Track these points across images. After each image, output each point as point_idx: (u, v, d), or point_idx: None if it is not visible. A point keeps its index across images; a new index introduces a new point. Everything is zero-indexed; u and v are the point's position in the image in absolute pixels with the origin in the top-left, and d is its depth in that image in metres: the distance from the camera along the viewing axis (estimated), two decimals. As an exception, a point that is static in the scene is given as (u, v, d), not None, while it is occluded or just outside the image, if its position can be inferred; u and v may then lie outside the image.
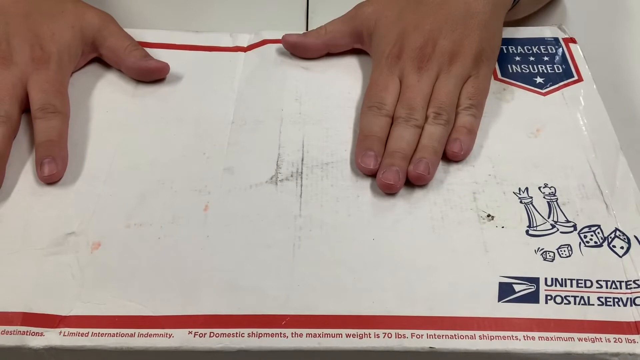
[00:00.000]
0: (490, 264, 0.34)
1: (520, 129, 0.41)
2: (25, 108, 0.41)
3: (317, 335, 0.31)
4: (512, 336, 0.31)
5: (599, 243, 0.35)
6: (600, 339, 0.31)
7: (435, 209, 0.37)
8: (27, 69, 0.41)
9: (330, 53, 0.47)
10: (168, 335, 0.31)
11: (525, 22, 0.52)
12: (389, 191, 0.37)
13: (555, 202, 0.37)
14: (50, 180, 0.38)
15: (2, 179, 0.38)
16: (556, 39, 0.47)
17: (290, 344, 0.31)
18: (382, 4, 0.45)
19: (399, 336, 0.31)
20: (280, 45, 0.46)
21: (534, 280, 0.33)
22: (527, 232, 0.35)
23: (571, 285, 0.33)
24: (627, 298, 0.33)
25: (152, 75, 0.44)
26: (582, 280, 0.33)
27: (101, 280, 0.33)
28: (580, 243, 0.35)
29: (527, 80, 0.44)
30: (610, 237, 0.35)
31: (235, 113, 0.42)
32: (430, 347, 0.31)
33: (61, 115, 0.40)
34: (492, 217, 0.36)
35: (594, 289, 0.33)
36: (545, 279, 0.33)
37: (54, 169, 0.38)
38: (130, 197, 0.37)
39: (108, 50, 0.44)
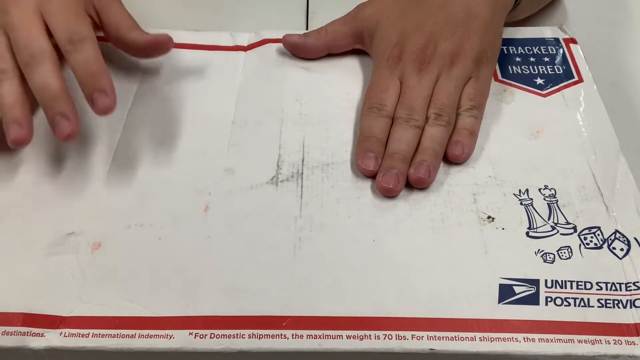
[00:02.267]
0: (490, 266, 0.34)
1: (520, 130, 0.41)
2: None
3: (318, 336, 0.31)
4: (512, 338, 0.31)
5: (599, 245, 0.35)
6: (600, 340, 0.31)
7: (435, 210, 0.37)
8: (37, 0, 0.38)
9: (330, 53, 0.46)
10: (168, 336, 0.31)
11: (526, 23, 0.52)
12: (389, 195, 0.37)
13: (555, 204, 0.37)
14: (106, 113, 0.37)
15: (77, 117, 0.36)
16: (557, 40, 0.47)
17: (291, 345, 0.31)
18: (383, 5, 0.45)
19: (400, 337, 0.31)
20: (280, 45, 0.46)
21: (534, 282, 0.33)
22: (527, 233, 0.36)
23: (571, 287, 0.33)
24: (627, 300, 0.33)
25: (155, 49, 0.42)
26: (582, 282, 0.33)
27: (102, 280, 0.33)
28: (580, 245, 0.35)
29: (527, 81, 0.44)
30: (610, 239, 0.35)
31: (235, 113, 0.42)
32: (431, 349, 0.31)
33: (89, 40, 0.38)
34: (493, 218, 0.36)
35: (593, 290, 0.33)
36: (545, 280, 0.33)
37: (106, 102, 0.37)
38: (130, 197, 0.37)
39: (110, 24, 0.42)
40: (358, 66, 0.46)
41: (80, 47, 0.37)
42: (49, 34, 0.38)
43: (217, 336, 0.31)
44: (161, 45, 0.42)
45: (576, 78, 0.44)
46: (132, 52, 0.43)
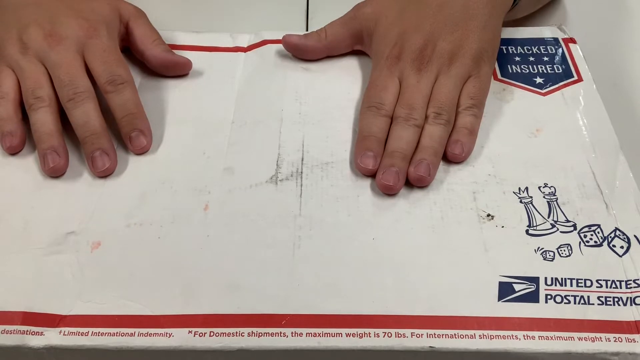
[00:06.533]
0: (490, 264, 0.34)
1: (520, 129, 0.41)
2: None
3: (317, 334, 0.31)
4: (512, 335, 0.31)
5: (599, 242, 0.35)
6: (600, 338, 0.31)
7: (435, 209, 0.37)
8: (79, 39, 0.41)
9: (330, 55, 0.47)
10: (168, 335, 0.31)
11: (525, 22, 0.52)
12: (389, 192, 0.37)
13: (555, 202, 0.37)
14: (142, 152, 0.39)
15: (115, 155, 0.39)
16: (556, 39, 0.47)
17: (290, 343, 0.31)
18: (382, 5, 0.45)
19: (399, 335, 0.31)
20: (280, 45, 0.46)
21: (534, 280, 0.33)
22: (527, 231, 0.35)
23: (571, 285, 0.33)
24: (627, 297, 0.33)
25: (175, 68, 0.44)
26: (582, 279, 0.33)
27: (101, 279, 0.33)
28: (580, 242, 0.35)
29: (527, 80, 0.44)
30: (610, 237, 0.35)
31: (235, 113, 0.42)
32: (430, 347, 0.31)
33: (130, 84, 0.41)
34: (492, 216, 0.36)
35: (593, 288, 0.33)
36: (545, 278, 0.33)
37: (143, 142, 0.39)
38: (130, 197, 0.37)
39: (137, 38, 0.45)
40: (357, 66, 0.46)
41: (121, 88, 0.40)
42: (88, 73, 0.40)
43: (217, 334, 0.31)
44: (179, 66, 0.45)
45: (575, 77, 0.44)
46: (151, 67, 0.45)
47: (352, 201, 0.37)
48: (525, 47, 0.47)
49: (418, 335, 0.31)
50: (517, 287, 0.33)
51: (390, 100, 0.40)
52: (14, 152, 0.39)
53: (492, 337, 0.31)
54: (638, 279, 0.33)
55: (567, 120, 0.42)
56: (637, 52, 0.52)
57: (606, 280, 0.33)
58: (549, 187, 0.38)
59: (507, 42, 0.47)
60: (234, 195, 0.37)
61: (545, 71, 0.45)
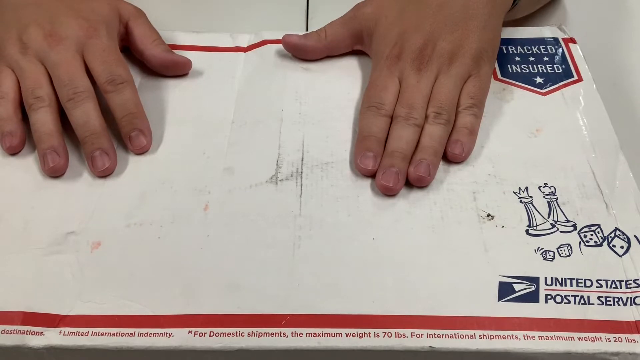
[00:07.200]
0: (490, 264, 0.34)
1: (520, 128, 0.41)
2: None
3: (317, 334, 0.31)
4: (512, 335, 0.31)
5: (599, 242, 0.35)
6: (600, 338, 0.31)
7: (435, 209, 0.37)
8: (79, 40, 0.41)
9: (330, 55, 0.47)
10: (168, 335, 0.31)
11: (525, 22, 0.52)
12: (389, 193, 0.37)
13: (555, 202, 0.37)
14: (142, 152, 0.39)
15: (115, 155, 0.39)
16: (556, 39, 0.47)
17: (290, 343, 0.31)
18: (382, 5, 0.45)
19: (399, 335, 0.31)
20: (280, 45, 0.46)
21: (534, 280, 0.33)
22: (527, 231, 0.35)
23: (571, 285, 0.33)
24: (627, 297, 0.33)
25: (175, 68, 0.44)
26: (582, 279, 0.33)
27: (101, 279, 0.33)
28: (580, 242, 0.35)
29: (527, 80, 0.44)
30: (610, 237, 0.35)
31: (235, 113, 0.42)
32: (430, 347, 0.31)
33: (129, 84, 0.41)
34: (492, 216, 0.36)
35: (594, 288, 0.33)
36: (545, 278, 0.33)
37: (143, 142, 0.39)
38: (130, 197, 0.37)
39: (137, 37, 0.45)
40: (357, 66, 0.46)
41: (121, 88, 0.40)
42: (88, 73, 0.40)
43: (217, 334, 0.31)
44: (179, 65, 0.45)
45: (575, 77, 0.44)
46: (151, 67, 0.45)
47: (352, 201, 0.37)
48: (525, 47, 0.47)
49: (418, 335, 0.31)
50: (517, 287, 0.33)
51: (390, 100, 0.40)
52: (14, 152, 0.39)
53: (492, 337, 0.31)
54: (638, 279, 0.33)
55: (567, 120, 0.42)
56: (637, 52, 0.52)
57: (606, 280, 0.33)
58: (549, 187, 0.38)
59: (507, 42, 0.47)
60: (234, 195, 0.37)
61: (545, 71, 0.45)
